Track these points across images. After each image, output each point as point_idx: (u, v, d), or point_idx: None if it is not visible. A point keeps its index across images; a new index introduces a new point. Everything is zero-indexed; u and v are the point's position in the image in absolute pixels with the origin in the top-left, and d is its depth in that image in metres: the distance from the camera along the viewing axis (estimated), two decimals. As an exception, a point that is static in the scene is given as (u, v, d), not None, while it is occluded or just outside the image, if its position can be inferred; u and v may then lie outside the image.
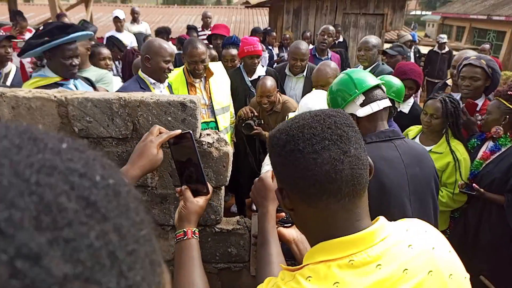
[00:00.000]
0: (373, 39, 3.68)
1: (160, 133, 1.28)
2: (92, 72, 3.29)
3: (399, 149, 1.64)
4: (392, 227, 0.82)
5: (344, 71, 1.87)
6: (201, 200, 1.12)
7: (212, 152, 1.87)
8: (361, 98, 1.70)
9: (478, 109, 2.71)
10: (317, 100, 2.47)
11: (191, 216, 1.09)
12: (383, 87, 1.76)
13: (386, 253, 0.75)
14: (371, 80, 1.74)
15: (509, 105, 2.31)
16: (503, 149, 2.39)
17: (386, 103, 1.72)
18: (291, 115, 2.72)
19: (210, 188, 1.16)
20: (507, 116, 2.33)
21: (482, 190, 2.35)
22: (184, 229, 1.06)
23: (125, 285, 0.26)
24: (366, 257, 0.75)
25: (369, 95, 1.70)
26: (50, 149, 0.28)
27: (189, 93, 3.02)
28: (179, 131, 1.18)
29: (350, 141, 0.78)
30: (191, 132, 1.15)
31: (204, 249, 2.02)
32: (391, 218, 1.58)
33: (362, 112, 1.69)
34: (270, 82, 3.12)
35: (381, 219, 0.83)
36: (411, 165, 1.63)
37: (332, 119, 0.79)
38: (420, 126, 2.59)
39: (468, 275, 0.83)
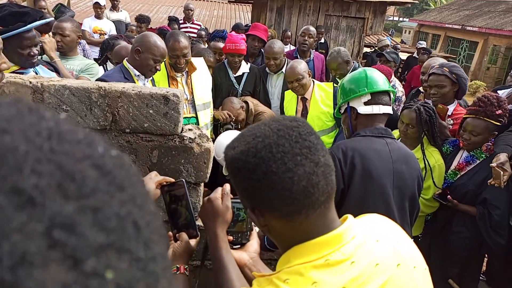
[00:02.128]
0: (343, 55, 3.65)
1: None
2: (78, 61, 3.15)
3: (389, 146, 1.75)
4: (359, 225, 0.84)
5: (364, 68, 1.97)
6: (193, 242, 1.15)
7: (193, 147, 1.84)
8: (367, 97, 1.81)
9: (450, 113, 2.78)
10: (226, 136, 2.65)
11: (184, 255, 1.13)
12: (392, 95, 1.87)
13: (358, 249, 0.77)
14: (383, 84, 1.84)
15: (498, 123, 2.36)
16: (477, 161, 2.46)
17: (388, 110, 1.82)
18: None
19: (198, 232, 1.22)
20: (495, 133, 2.40)
21: (455, 202, 2.42)
22: (177, 265, 1.10)
23: (150, 256, 0.25)
24: (341, 255, 0.76)
25: (375, 97, 1.80)
26: (51, 118, 0.26)
27: (170, 87, 2.96)
28: (173, 180, 1.25)
29: (317, 150, 0.78)
30: (183, 180, 1.19)
31: (180, 246, 1.99)
32: (375, 206, 1.66)
33: (363, 109, 1.81)
34: (231, 106, 3.16)
35: (349, 217, 0.84)
36: (398, 161, 1.73)
37: (296, 130, 0.77)
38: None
39: (427, 267, 0.86)
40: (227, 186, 1.12)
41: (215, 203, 1.07)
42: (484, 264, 2.92)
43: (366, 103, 1.81)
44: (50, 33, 3.26)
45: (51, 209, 0.21)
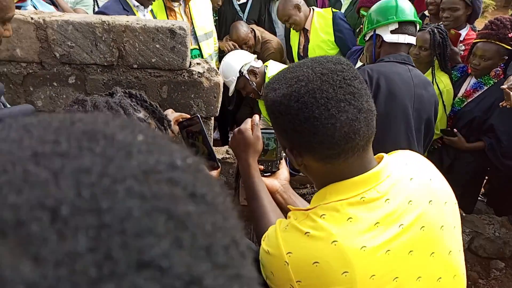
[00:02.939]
0: None
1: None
2: None
3: (410, 72, 1.83)
4: (394, 163, 0.86)
5: None
6: (214, 173, 1.17)
7: (202, 82, 1.82)
8: (394, 26, 1.85)
9: (462, 38, 2.70)
10: (236, 57, 2.57)
11: None
12: (418, 26, 1.92)
13: (392, 188, 0.79)
14: (411, 15, 1.86)
15: (509, 47, 2.30)
16: (485, 88, 2.43)
17: (412, 40, 1.88)
18: (271, 68, 2.62)
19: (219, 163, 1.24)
20: (505, 57, 2.34)
21: (462, 138, 2.43)
22: None
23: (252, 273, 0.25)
24: (376, 193, 0.78)
25: (402, 27, 1.84)
26: (136, 148, 0.23)
27: (168, 19, 2.84)
28: (188, 115, 1.27)
29: (361, 96, 0.77)
30: (198, 115, 1.20)
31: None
32: (396, 125, 1.79)
33: (389, 38, 1.85)
34: (242, 29, 3.02)
35: (385, 156, 0.86)
36: (418, 86, 1.82)
37: (340, 75, 0.76)
38: None
39: (456, 201, 0.90)
40: (256, 117, 1.14)
41: (246, 134, 1.08)
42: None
43: (392, 32, 1.85)
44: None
45: (176, 270, 0.20)
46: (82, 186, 0.20)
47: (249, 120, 1.12)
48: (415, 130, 1.83)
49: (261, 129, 1.12)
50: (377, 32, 1.89)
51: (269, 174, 1.18)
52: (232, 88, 2.64)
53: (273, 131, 1.08)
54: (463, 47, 2.70)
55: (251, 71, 2.54)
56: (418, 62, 2.50)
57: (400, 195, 0.79)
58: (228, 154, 2.12)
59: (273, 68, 2.60)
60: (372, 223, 0.76)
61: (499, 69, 2.41)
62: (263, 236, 0.86)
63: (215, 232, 0.22)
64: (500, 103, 2.18)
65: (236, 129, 1.12)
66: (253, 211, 1.04)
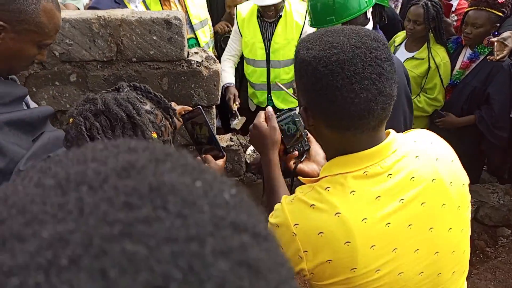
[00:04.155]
0: None
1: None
2: None
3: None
4: (401, 140, 0.87)
5: None
6: (220, 162, 1.20)
7: (202, 71, 1.84)
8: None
9: (453, 9, 2.70)
10: None
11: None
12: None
13: (396, 164, 0.82)
14: (355, 5, 1.57)
15: (500, 14, 2.31)
16: (481, 57, 2.43)
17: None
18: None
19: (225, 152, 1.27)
20: (497, 24, 2.34)
21: (452, 115, 2.48)
22: None
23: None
24: (379, 168, 0.81)
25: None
26: (198, 196, 0.23)
27: (163, 9, 2.83)
28: (190, 108, 1.29)
29: (387, 79, 0.77)
30: (200, 107, 1.22)
31: (200, 166, 2.09)
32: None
33: None
34: None
35: (392, 132, 0.88)
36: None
37: (374, 53, 0.76)
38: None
39: (467, 181, 0.89)
40: (270, 108, 1.13)
41: (260, 127, 1.07)
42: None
43: None
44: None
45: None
46: (178, 257, 0.20)
47: (262, 112, 1.10)
48: (391, 126, 1.65)
49: (276, 117, 1.10)
50: None
51: (304, 157, 1.13)
52: None
53: (287, 114, 1.09)
54: (455, 18, 2.70)
55: None
56: (413, 37, 2.51)
57: (403, 171, 0.82)
58: (232, 141, 2.14)
59: None
60: (374, 197, 0.79)
61: (492, 36, 2.42)
62: (270, 214, 0.89)
63: (277, 268, 0.23)
64: (488, 57, 2.19)
65: (251, 125, 1.11)
66: (270, 205, 1.04)
